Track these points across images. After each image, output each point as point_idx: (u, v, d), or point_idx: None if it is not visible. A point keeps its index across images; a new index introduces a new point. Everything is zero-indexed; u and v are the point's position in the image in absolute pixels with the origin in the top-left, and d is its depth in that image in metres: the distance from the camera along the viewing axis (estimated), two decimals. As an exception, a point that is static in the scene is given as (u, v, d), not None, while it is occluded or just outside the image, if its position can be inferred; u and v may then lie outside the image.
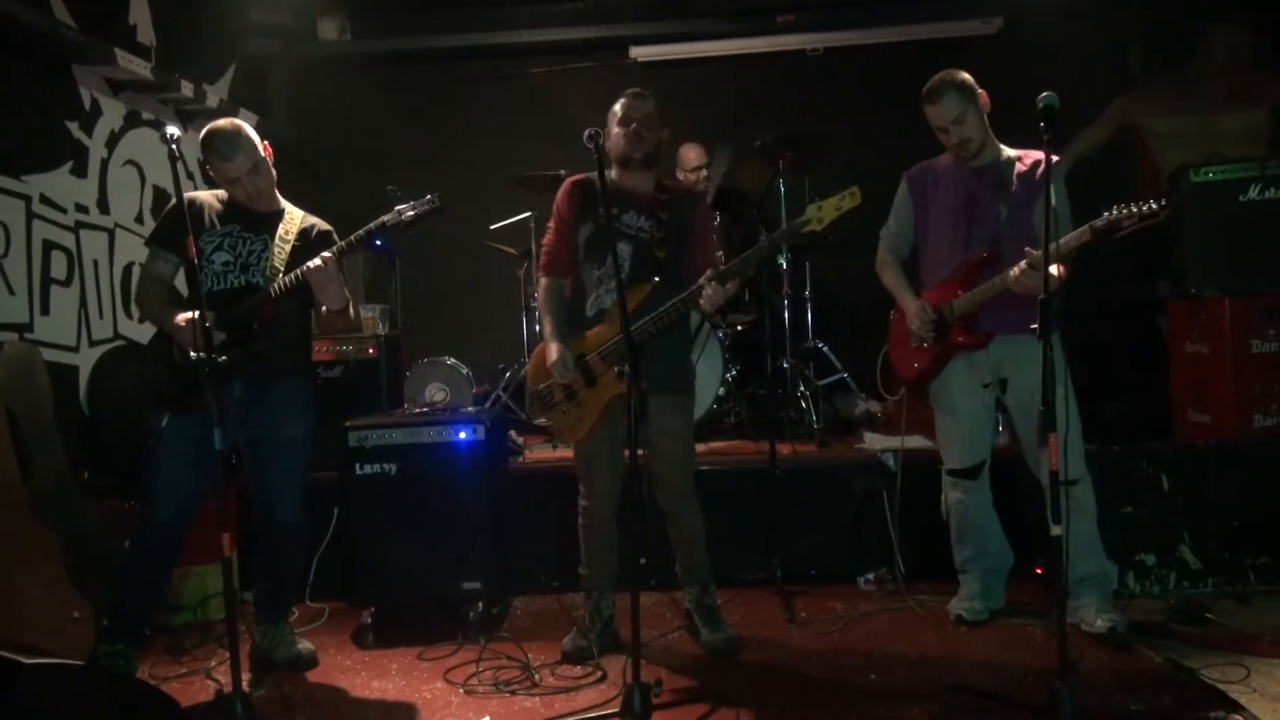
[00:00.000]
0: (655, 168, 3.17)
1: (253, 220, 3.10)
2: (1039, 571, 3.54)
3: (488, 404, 4.80)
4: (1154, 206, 2.68)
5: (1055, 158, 3.00)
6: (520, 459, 4.19)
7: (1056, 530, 2.46)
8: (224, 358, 2.67)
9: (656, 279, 3.00)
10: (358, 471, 3.47)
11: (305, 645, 3.22)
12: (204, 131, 3.04)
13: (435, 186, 2.99)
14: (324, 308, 3.02)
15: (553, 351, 3.09)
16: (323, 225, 3.23)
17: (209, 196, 3.14)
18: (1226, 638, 3.06)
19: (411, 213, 2.93)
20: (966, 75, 3.09)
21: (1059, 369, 2.98)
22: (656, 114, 3.10)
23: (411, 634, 3.39)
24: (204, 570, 3.67)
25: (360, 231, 2.97)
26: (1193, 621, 3.20)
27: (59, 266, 3.95)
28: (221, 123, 3.05)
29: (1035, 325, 2.90)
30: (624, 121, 3.08)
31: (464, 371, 4.25)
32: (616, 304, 2.98)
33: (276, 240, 3.06)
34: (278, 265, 3.03)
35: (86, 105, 4.14)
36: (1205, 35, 4.54)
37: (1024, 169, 3.14)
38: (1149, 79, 4.81)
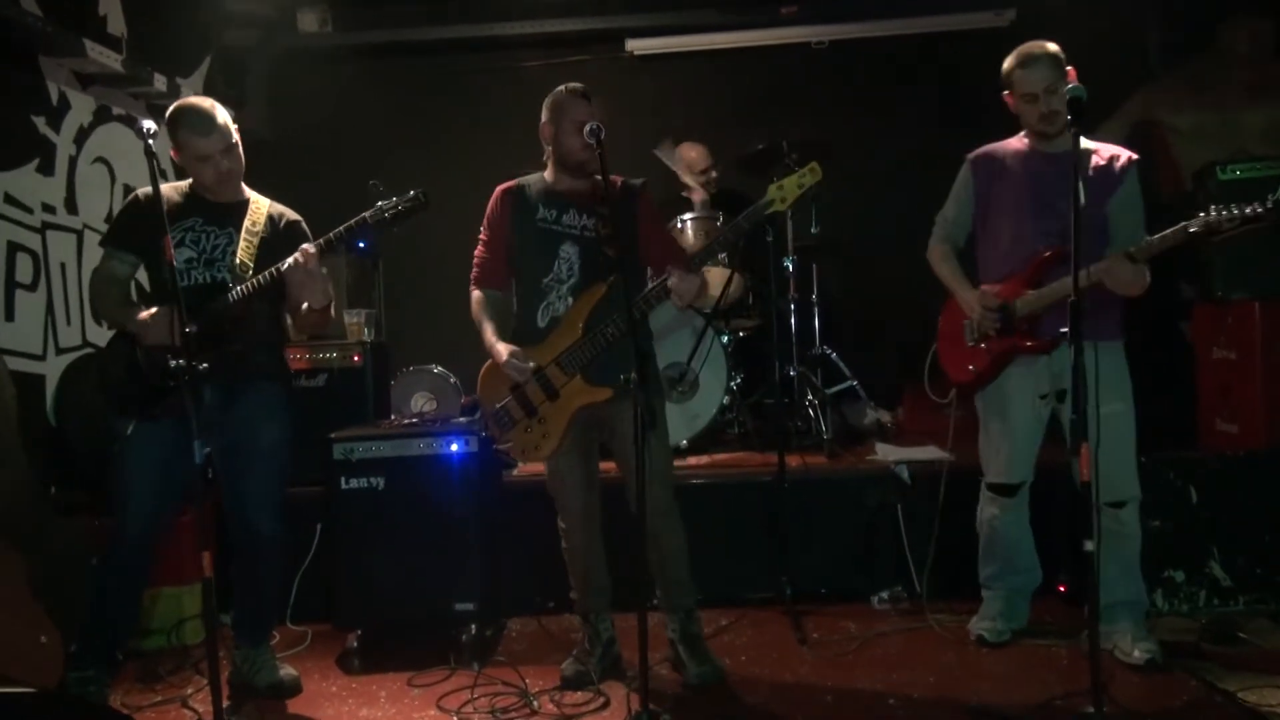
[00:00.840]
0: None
1: (216, 212, 3.00)
2: (1061, 589, 3.45)
3: (477, 414, 4.65)
4: (1259, 209, 2.58)
5: (1133, 156, 3.03)
6: (513, 472, 4.06)
7: (1089, 546, 2.41)
8: (205, 365, 2.55)
9: (610, 279, 2.89)
10: (343, 486, 3.38)
11: (288, 671, 3.11)
12: (174, 106, 2.93)
13: (422, 185, 2.94)
14: (304, 305, 2.91)
15: (501, 352, 2.94)
16: (291, 214, 3.13)
17: (166, 190, 3.00)
18: (1261, 658, 3.00)
19: (394, 209, 2.85)
20: (1057, 48, 2.97)
21: (1123, 381, 3.00)
22: (586, 136, 2.84)
23: (401, 658, 3.29)
24: (178, 591, 3.58)
25: (341, 228, 2.87)
26: (1226, 641, 3.13)
27: (24, 270, 3.85)
28: (195, 99, 2.96)
29: (1114, 335, 2.95)
30: (581, 131, 2.86)
31: (452, 380, 4.11)
32: (570, 310, 2.95)
33: (243, 233, 2.97)
34: (246, 260, 2.94)
35: (54, 99, 4.03)
36: (1225, 28, 4.47)
37: (1101, 162, 3.00)
38: (1167, 73, 4.78)
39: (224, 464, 2.95)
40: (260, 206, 3.06)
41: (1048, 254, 2.95)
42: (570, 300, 2.95)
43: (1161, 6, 5.14)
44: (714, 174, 4.93)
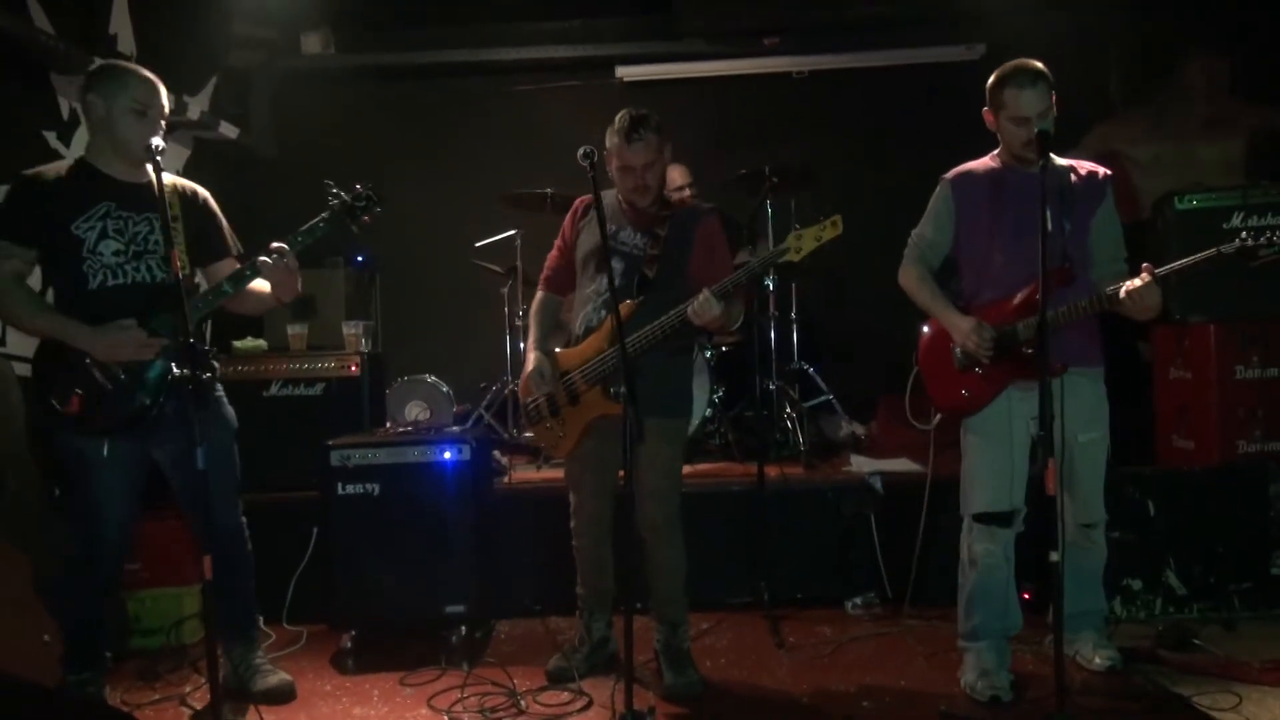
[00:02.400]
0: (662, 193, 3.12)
1: (126, 195, 2.73)
2: (1026, 597, 3.49)
3: (469, 423, 4.74)
4: None
5: (1109, 172, 2.96)
6: (504, 480, 4.13)
7: (1055, 556, 2.44)
8: (207, 374, 2.60)
9: (640, 298, 2.95)
10: (339, 491, 3.41)
11: (282, 676, 3.08)
12: (107, 61, 2.76)
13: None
14: (275, 296, 2.84)
15: (530, 361, 3.08)
16: (201, 190, 2.93)
17: (58, 168, 2.75)
18: (1215, 664, 3.07)
19: (347, 206, 2.79)
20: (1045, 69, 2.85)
21: (1102, 409, 2.96)
22: (658, 143, 2.95)
23: (393, 658, 3.33)
24: (178, 592, 3.60)
25: (292, 235, 2.79)
26: (1181, 647, 3.20)
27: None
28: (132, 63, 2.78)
29: (1098, 362, 2.91)
30: (625, 171, 2.97)
31: (444, 390, 4.19)
32: (603, 322, 2.98)
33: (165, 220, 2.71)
34: (180, 250, 2.71)
35: (65, 115, 4.07)
36: (1183, 65, 4.61)
37: (1079, 180, 2.91)
38: (1128, 107, 4.89)
39: (179, 469, 2.83)
40: (168, 184, 2.72)
41: (1061, 269, 2.77)
42: (604, 313, 2.98)
43: (1122, 44, 5.30)
44: (689, 192, 5.03)
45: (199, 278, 2.99)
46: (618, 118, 2.97)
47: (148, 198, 2.71)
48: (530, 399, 3.16)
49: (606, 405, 2.96)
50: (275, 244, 2.76)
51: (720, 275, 2.90)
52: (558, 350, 3.13)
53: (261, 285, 2.89)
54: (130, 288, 2.73)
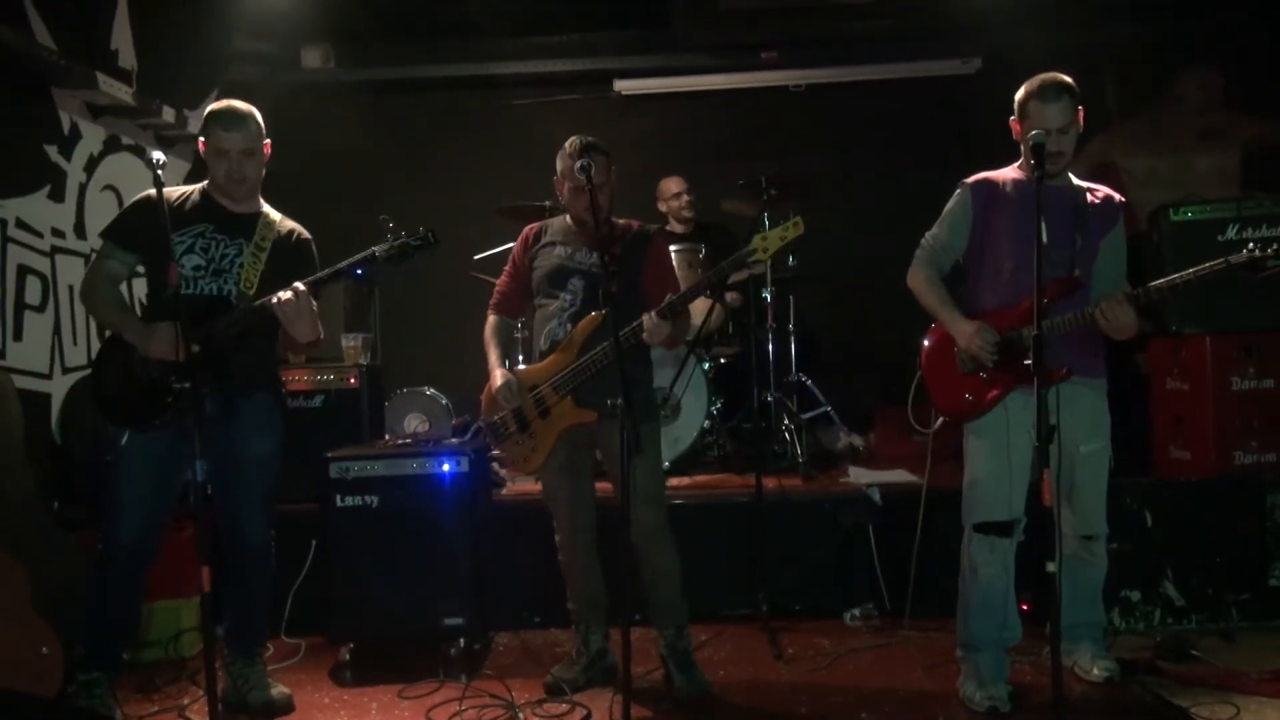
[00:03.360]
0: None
1: (228, 220, 2.95)
2: (1024, 607, 3.49)
3: (468, 435, 4.75)
4: None
5: (1124, 200, 3.00)
6: (502, 491, 4.14)
7: (1051, 567, 2.42)
8: (209, 388, 2.61)
9: (605, 309, 2.99)
10: (338, 503, 3.42)
11: (280, 690, 3.09)
12: (212, 106, 2.94)
13: (418, 216, 2.97)
14: (291, 335, 2.91)
15: (497, 378, 3.14)
16: (303, 232, 3.12)
17: (182, 191, 2.98)
18: (1214, 675, 3.06)
19: (403, 247, 2.86)
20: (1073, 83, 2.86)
21: (1104, 421, 2.97)
22: (606, 164, 3.08)
23: (392, 671, 3.33)
24: (176, 604, 3.59)
25: (345, 263, 2.88)
26: (1179, 658, 3.19)
27: (33, 292, 3.89)
28: (238, 102, 2.98)
29: (1100, 373, 2.91)
30: (578, 192, 3.03)
31: (443, 402, 4.20)
32: (568, 336, 3.07)
33: (253, 246, 2.94)
34: (253, 275, 2.91)
35: (66, 129, 4.10)
36: (1179, 77, 4.64)
37: (1095, 201, 2.94)
38: (1124, 119, 4.91)
39: (218, 474, 2.85)
40: (272, 221, 3.02)
41: (1068, 278, 2.82)
42: (569, 326, 3.10)
43: (1118, 57, 5.33)
44: (686, 198, 5.03)
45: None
46: (568, 142, 3.10)
47: (246, 226, 2.97)
48: (496, 415, 3.20)
49: (579, 414, 3.04)
50: (296, 283, 2.82)
51: (666, 289, 3.06)
52: (520, 368, 3.22)
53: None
54: (197, 299, 2.87)
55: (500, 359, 3.21)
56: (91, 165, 4.26)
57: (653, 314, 2.91)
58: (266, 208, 3.07)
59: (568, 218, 3.23)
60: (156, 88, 4.53)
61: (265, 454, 3.02)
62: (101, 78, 4.03)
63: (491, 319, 3.31)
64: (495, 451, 3.24)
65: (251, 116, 2.95)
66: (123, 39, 4.44)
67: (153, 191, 2.86)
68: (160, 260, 2.85)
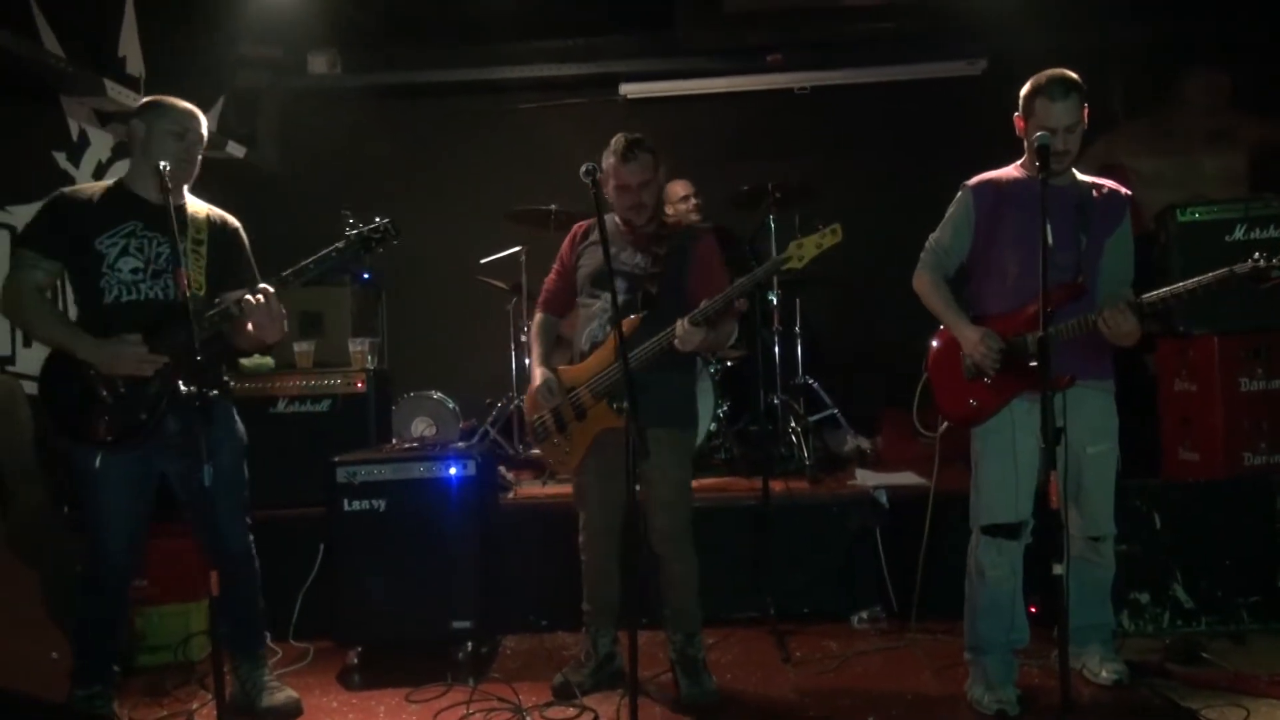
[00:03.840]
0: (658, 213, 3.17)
1: (154, 215, 2.77)
2: (1033, 610, 3.48)
3: (475, 439, 4.76)
4: None
5: (1129, 193, 2.98)
6: (509, 495, 4.14)
7: (1059, 569, 2.43)
8: (215, 392, 2.62)
9: (644, 313, 3.00)
10: (345, 508, 3.43)
11: (288, 694, 3.07)
12: (154, 96, 2.85)
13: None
14: (258, 337, 2.85)
15: (537, 377, 3.13)
16: (231, 219, 3.00)
17: (93, 188, 2.83)
18: (1224, 677, 3.05)
19: (361, 239, 2.83)
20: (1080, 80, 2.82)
21: (1111, 423, 2.95)
22: (654, 163, 3.04)
23: (399, 674, 3.34)
24: (185, 609, 3.60)
25: (307, 261, 2.82)
26: (1189, 661, 3.18)
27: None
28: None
29: (1107, 375, 2.90)
30: (622, 190, 3.05)
31: (450, 406, 4.21)
32: (608, 337, 3.00)
33: (190, 242, 2.80)
34: (198, 274, 2.80)
35: (74, 136, 4.12)
36: (1185, 78, 4.62)
37: (1100, 197, 2.91)
38: (1130, 120, 4.90)
39: (189, 488, 2.82)
40: (199, 211, 2.88)
41: (1073, 283, 2.80)
42: (607, 329, 3.04)
43: (1124, 57, 5.33)
44: (693, 203, 5.03)
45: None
46: (614, 140, 3.07)
47: (177, 217, 2.77)
48: (537, 416, 3.20)
49: (612, 418, 2.98)
50: (261, 284, 2.78)
51: (713, 291, 2.95)
52: (561, 367, 3.18)
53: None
54: (143, 304, 2.77)
55: (543, 358, 3.19)
56: (100, 172, 4.27)
57: (685, 321, 2.85)
58: (188, 197, 2.91)
59: (615, 216, 3.17)
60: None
61: (233, 462, 2.96)
62: (109, 85, 4.04)
63: (538, 316, 3.29)
64: (535, 450, 3.20)
65: (202, 115, 2.89)
66: (130, 46, 4.46)
67: (67, 189, 2.85)
68: (89, 266, 2.74)
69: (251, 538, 3.07)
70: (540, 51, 5.73)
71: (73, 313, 2.98)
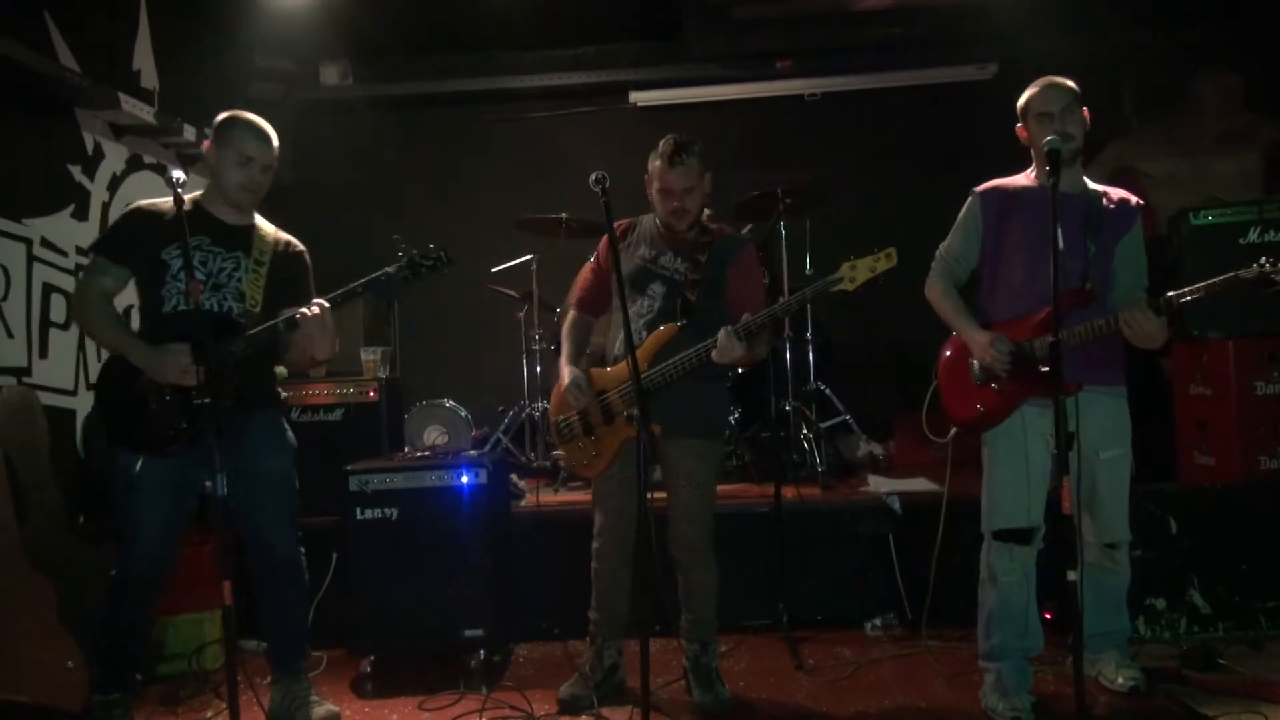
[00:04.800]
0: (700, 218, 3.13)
1: (223, 233, 2.89)
2: (1047, 616, 3.45)
3: (487, 447, 4.77)
4: None
5: (1141, 201, 2.98)
6: (522, 503, 4.14)
7: (1073, 575, 2.43)
8: (229, 402, 2.63)
9: (683, 321, 2.96)
10: (358, 516, 3.43)
11: (328, 708, 3.05)
12: (235, 112, 2.91)
13: (436, 229, 2.98)
14: (309, 352, 2.91)
15: (565, 376, 3.07)
16: (297, 243, 3.07)
17: (170, 204, 2.84)
18: (1241, 684, 3.03)
19: (417, 268, 2.87)
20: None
21: (1124, 427, 2.94)
22: (699, 169, 3.00)
23: (412, 683, 3.34)
24: (199, 617, 3.61)
25: (360, 282, 2.87)
26: (1206, 667, 3.16)
27: (58, 310, 3.93)
28: (255, 116, 2.96)
29: (1118, 380, 2.90)
30: (665, 194, 3.01)
31: (463, 414, 4.22)
32: (644, 342, 2.98)
33: (252, 260, 2.89)
34: (253, 291, 2.88)
35: (89, 149, 4.15)
36: (1197, 80, 4.59)
37: (1110, 206, 2.92)
38: (1142, 123, 4.88)
39: (236, 496, 2.80)
40: (267, 233, 2.97)
41: (1081, 289, 2.80)
42: (644, 335, 3.00)
43: (1136, 60, 5.31)
44: (708, 212, 5.05)
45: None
46: (662, 142, 3.02)
47: (242, 239, 2.90)
48: (563, 416, 3.13)
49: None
50: (317, 299, 2.84)
51: (753, 306, 2.93)
52: (593, 370, 3.12)
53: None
54: (198, 315, 2.76)
55: (573, 356, 3.13)
56: (114, 184, 4.30)
57: (727, 331, 2.79)
58: (259, 220, 3.02)
59: (655, 218, 3.14)
60: (178, 107, 4.58)
61: (280, 469, 3.00)
62: (124, 98, 4.08)
63: (571, 314, 3.22)
64: (558, 451, 3.17)
65: (274, 132, 2.96)
66: (144, 59, 4.50)
67: (144, 202, 2.92)
68: (155, 275, 2.84)
69: (302, 551, 3.06)
70: (550, 60, 5.75)
71: (137, 320, 3.08)
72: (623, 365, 3.02)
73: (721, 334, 2.80)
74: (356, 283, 2.88)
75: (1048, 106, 2.84)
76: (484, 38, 5.55)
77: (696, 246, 3.05)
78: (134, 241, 2.85)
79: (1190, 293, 2.66)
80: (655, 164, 3.02)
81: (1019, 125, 2.95)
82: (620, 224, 3.19)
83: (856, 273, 2.75)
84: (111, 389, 2.85)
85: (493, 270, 5.12)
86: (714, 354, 2.82)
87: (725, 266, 3.05)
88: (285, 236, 3.06)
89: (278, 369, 4.14)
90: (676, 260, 3.05)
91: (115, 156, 4.32)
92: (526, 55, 5.78)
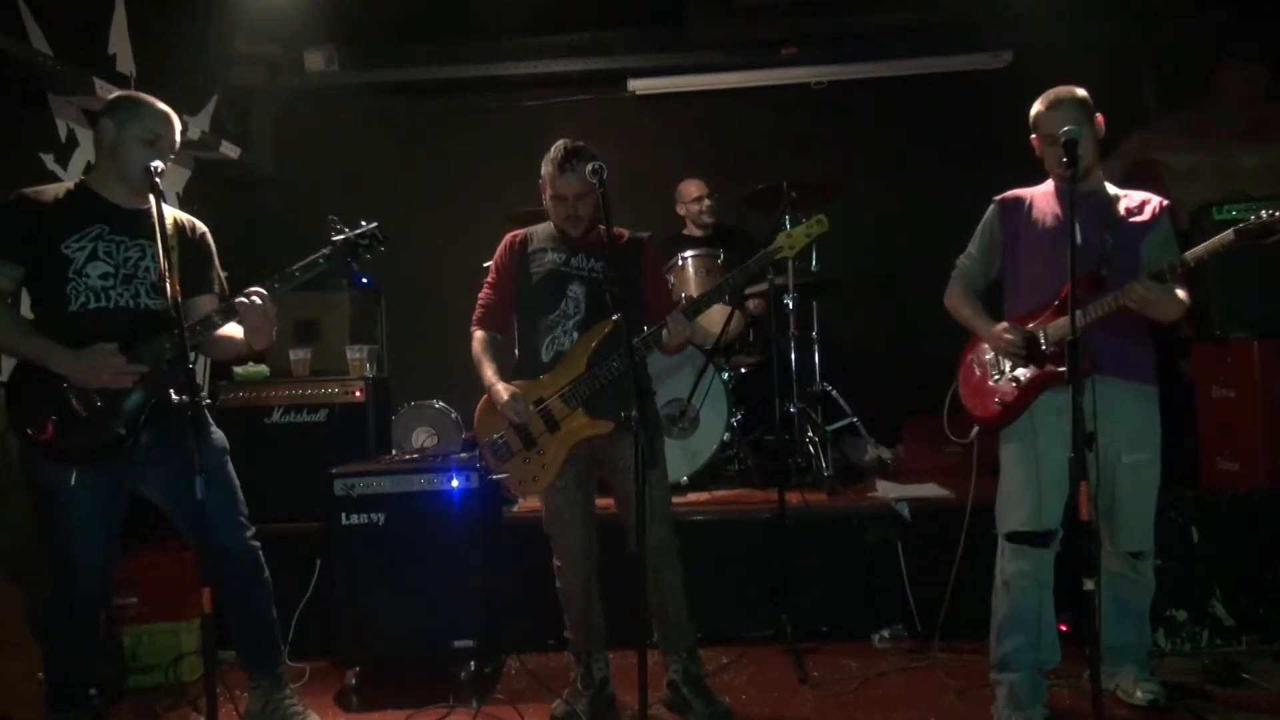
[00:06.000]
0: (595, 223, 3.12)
1: (122, 219, 2.72)
2: (1064, 628, 3.38)
3: (477, 450, 4.65)
4: None
5: (1165, 200, 2.99)
6: (514, 508, 4.07)
7: (1089, 585, 2.38)
8: (210, 399, 2.52)
9: (617, 315, 2.87)
10: (343, 521, 3.38)
11: (312, 718, 2.99)
12: (131, 93, 2.79)
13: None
14: (247, 343, 2.78)
15: (501, 393, 3.01)
16: (199, 224, 2.94)
17: (55, 189, 2.75)
18: (1266, 699, 3.01)
19: (349, 246, 2.79)
20: (1085, 94, 2.93)
21: (1152, 429, 2.91)
22: (594, 175, 2.85)
23: (399, 695, 3.27)
24: (175, 627, 3.56)
25: (294, 267, 2.76)
26: (1229, 682, 3.13)
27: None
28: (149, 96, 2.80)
29: (1145, 377, 2.88)
30: (557, 201, 3.02)
31: (453, 415, 4.10)
32: (575, 345, 3.00)
33: (158, 246, 2.67)
34: (167, 279, 2.66)
35: (62, 136, 4.05)
36: (1221, 70, 4.50)
37: (1131, 204, 2.94)
38: (1164, 114, 4.82)
39: (175, 500, 2.78)
40: (167, 216, 2.77)
41: (1091, 275, 2.77)
42: (575, 335, 3.02)
43: (1156, 49, 5.22)
44: (707, 203, 4.94)
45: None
46: (554, 147, 3.04)
47: (143, 223, 2.69)
48: (496, 435, 3.07)
49: (593, 426, 2.96)
50: (254, 288, 2.71)
51: (663, 298, 3.13)
52: (518, 382, 3.08)
53: (233, 330, 2.83)
54: (113, 312, 2.68)
55: (497, 372, 3.11)
56: (88, 172, 4.17)
57: (678, 312, 2.86)
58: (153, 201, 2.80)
59: (551, 224, 3.15)
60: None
61: (214, 463, 2.86)
62: (99, 83, 3.96)
63: (479, 334, 3.22)
64: (496, 475, 3.12)
65: (176, 119, 2.81)
66: (120, 43, 4.39)
67: (27, 190, 2.74)
68: (54, 271, 2.64)
69: (258, 545, 2.97)
70: (545, 46, 5.65)
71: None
72: (556, 370, 3.02)
73: (670, 317, 2.88)
74: (293, 267, 2.76)
75: (1053, 129, 2.85)
76: (476, 23, 5.44)
77: (602, 246, 3.05)
78: (25, 235, 2.65)
79: (1192, 258, 2.67)
80: (547, 170, 3.05)
81: (1033, 135, 2.97)
82: (514, 234, 3.22)
83: (793, 240, 2.91)
84: (28, 400, 2.64)
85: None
86: (665, 335, 2.88)
87: (638, 264, 3.12)
88: (185, 217, 2.91)
89: (259, 369, 4.06)
90: (589, 260, 3.08)
91: (89, 144, 4.19)
92: (520, 41, 5.66)
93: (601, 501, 3.15)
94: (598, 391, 2.93)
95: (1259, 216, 2.60)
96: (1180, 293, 2.73)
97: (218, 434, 2.95)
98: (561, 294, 3.05)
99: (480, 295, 3.25)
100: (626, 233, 3.16)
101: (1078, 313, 2.56)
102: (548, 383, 3.01)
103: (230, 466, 2.94)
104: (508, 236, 3.24)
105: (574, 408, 2.96)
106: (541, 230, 3.20)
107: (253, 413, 3.94)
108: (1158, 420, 2.90)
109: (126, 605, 3.45)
